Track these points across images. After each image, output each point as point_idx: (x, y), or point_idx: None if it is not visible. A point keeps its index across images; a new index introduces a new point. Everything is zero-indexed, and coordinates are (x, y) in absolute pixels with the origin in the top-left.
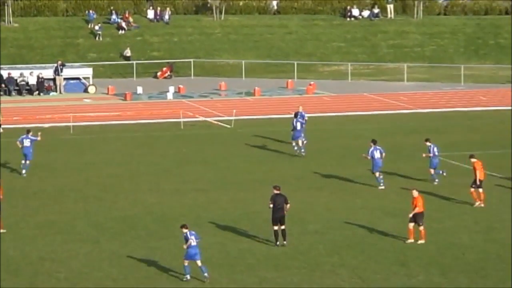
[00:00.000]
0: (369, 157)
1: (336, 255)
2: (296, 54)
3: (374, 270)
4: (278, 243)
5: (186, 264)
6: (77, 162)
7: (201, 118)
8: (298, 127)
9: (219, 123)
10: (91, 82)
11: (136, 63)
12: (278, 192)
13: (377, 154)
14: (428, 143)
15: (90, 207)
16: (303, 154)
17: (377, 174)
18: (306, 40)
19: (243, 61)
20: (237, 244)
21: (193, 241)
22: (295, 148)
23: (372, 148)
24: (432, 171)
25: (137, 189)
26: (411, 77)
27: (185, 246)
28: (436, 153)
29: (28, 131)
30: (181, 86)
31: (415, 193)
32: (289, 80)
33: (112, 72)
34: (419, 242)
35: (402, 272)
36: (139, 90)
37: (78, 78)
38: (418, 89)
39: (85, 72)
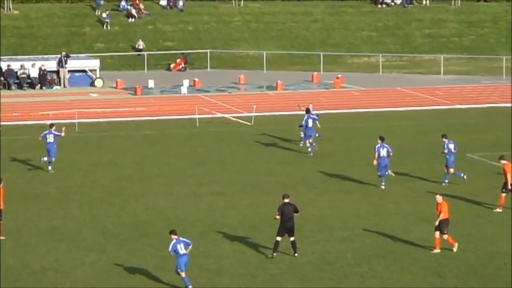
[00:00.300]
0: (376, 155)
1: (366, 265)
2: (322, 44)
3: (407, 281)
4: (274, 254)
5: (183, 276)
6: (83, 162)
7: (218, 115)
8: (310, 124)
9: (238, 120)
10: (98, 75)
11: (148, 54)
12: (287, 201)
13: (383, 152)
14: (444, 139)
15: (97, 211)
16: (311, 153)
17: (379, 172)
18: (333, 29)
19: (264, 52)
20: (258, 253)
21: (181, 250)
22: (309, 148)
23: (379, 145)
24: (446, 170)
25: (148, 192)
26: (448, 69)
27: (175, 253)
28: (453, 150)
29: (51, 125)
30: (196, 79)
31: (439, 198)
32: (315, 73)
33: (121, 64)
34: (454, 250)
35: (438, 284)
36: (151, 83)
37: (84, 71)
38: (456, 82)
39: (91, 64)
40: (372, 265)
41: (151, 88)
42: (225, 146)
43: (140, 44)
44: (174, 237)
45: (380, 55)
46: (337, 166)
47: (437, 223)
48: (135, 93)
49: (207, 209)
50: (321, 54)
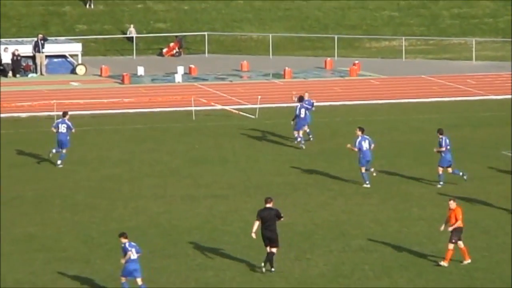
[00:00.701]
0: (355, 149)
1: (387, 278)
2: (337, 26)
3: None
4: (264, 268)
5: (123, 281)
6: (64, 161)
7: (217, 107)
8: (302, 114)
9: (240, 113)
10: (80, 61)
11: (137, 38)
12: (268, 205)
13: (365, 145)
14: (440, 135)
15: (79, 217)
16: (303, 146)
17: (363, 169)
18: (349, 8)
19: (270, 35)
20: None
21: (132, 254)
22: (299, 139)
23: (360, 138)
24: (440, 170)
25: (138, 195)
26: (481, 55)
27: (123, 260)
28: (448, 147)
29: (64, 114)
30: (192, 66)
31: (452, 204)
32: (328, 59)
33: (107, 49)
34: (465, 262)
35: None
36: (140, 71)
37: (63, 56)
38: (489, 70)
39: (72, 48)
40: (393, 278)
41: (141, 76)
42: (225, 142)
43: (132, 31)
44: (124, 240)
45: (403, 38)
46: (353, 165)
47: (450, 229)
48: (123, 82)
49: (205, 214)
50: (335, 37)
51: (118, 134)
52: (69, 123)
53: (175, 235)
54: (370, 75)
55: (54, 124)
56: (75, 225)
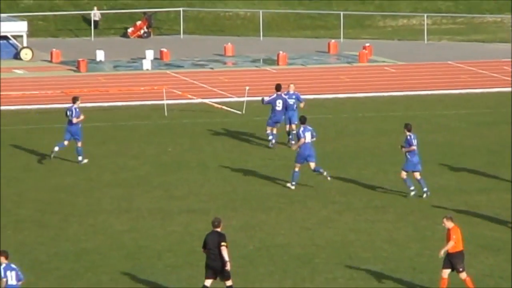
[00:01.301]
0: (294, 148)
1: None
2: (343, 0)
3: None
4: None
5: None
6: (6, 167)
7: (195, 100)
8: (279, 107)
9: (224, 108)
10: (25, 44)
11: (95, 14)
12: (215, 229)
13: (308, 137)
14: (407, 132)
15: (25, 237)
16: (273, 145)
17: (297, 167)
18: None
19: (260, 11)
20: None
21: (10, 279)
22: (270, 137)
23: (302, 129)
24: (404, 174)
25: (98, 209)
26: None
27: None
28: (416, 149)
29: (74, 99)
30: (164, 49)
31: (448, 223)
32: (332, 41)
33: (58, 29)
34: None
35: None
36: (100, 55)
37: (5, 37)
38: None
39: (16, 28)
40: None
41: (101, 62)
42: (205, 144)
43: (97, 15)
44: (4, 261)
45: (425, 15)
46: (363, 171)
47: (442, 252)
48: (78, 69)
49: (180, 233)
50: (341, 14)
51: None
52: (75, 111)
53: (143, 259)
54: (384, 61)
55: (69, 112)
56: (20, 247)
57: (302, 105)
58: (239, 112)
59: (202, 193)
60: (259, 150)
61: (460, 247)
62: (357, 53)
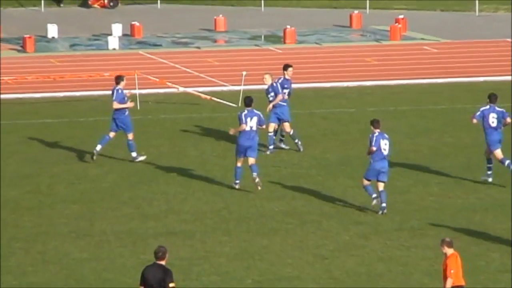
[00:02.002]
0: (232, 133)
1: None
2: None
3: None
4: None
5: None
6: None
7: (178, 89)
8: (271, 97)
9: (214, 99)
10: None
11: None
12: (158, 262)
13: (250, 122)
14: (375, 130)
15: None
16: (271, 151)
17: (239, 162)
18: None
19: None
20: None
21: None
22: (271, 139)
23: (246, 112)
24: (366, 182)
25: (49, 232)
26: None
27: None
28: (386, 152)
29: (118, 78)
30: (136, 23)
31: (447, 249)
32: (355, 12)
33: None
34: None
35: None
36: (52, 31)
37: None
38: None
39: None
40: None
41: (54, 39)
42: (189, 145)
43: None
44: None
45: None
46: (396, 183)
47: None
48: (24, 49)
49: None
50: None
51: (15, 133)
52: (114, 95)
53: None
54: (422, 39)
55: (115, 97)
56: None
57: (279, 97)
58: (234, 105)
59: (184, 210)
60: (259, 155)
61: (460, 282)
62: (388, 28)
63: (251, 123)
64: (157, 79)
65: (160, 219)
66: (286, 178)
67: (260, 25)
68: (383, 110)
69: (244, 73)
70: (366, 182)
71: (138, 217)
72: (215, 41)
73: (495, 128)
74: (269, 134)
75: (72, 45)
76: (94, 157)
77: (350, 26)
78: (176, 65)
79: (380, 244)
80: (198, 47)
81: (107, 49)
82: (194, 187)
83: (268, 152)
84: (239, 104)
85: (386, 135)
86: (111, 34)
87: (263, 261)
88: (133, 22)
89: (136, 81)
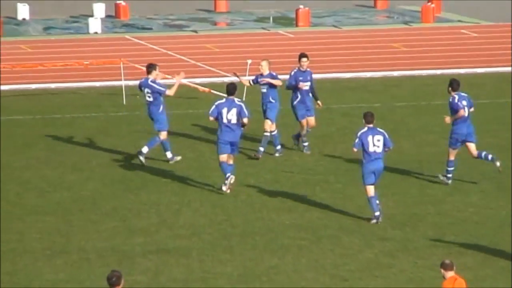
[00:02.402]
0: (211, 119)
1: None
2: None
3: None
4: None
5: None
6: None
7: (170, 80)
8: (264, 89)
9: (213, 92)
10: None
11: None
12: None
13: (229, 115)
14: (366, 124)
15: None
16: (258, 155)
17: (222, 159)
18: None
19: None
20: None
21: None
22: (265, 137)
23: (224, 101)
24: (370, 192)
25: (20, 249)
26: None
27: None
28: (379, 150)
29: (150, 68)
30: (122, 2)
31: (445, 272)
32: None
33: None
34: None
35: None
36: (23, 12)
37: None
38: None
39: None
40: None
41: (24, 21)
42: (184, 147)
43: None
44: None
45: None
46: (428, 190)
47: None
48: None
49: (146, 284)
50: None
51: None
52: (156, 85)
53: None
54: (459, 21)
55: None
56: None
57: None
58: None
59: (179, 223)
60: (267, 157)
61: None
62: (419, 8)
63: (228, 116)
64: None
65: (150, 234)
66: (299, 186)
67: (268, 5)
68: (413, 105)
69: (249, 61)
70: (370, 192)
71: (124, 232)
72: (215, 23)
73: (466, 119)
74: (265, 134)
75: (46, 28)
76: (143, 160)
77: (375, 6)
78: (169, 52)
79: (409, 263)
80: (195, 31)
81: (88, 33)
82: (190, 196)
83: (277, 154)
84: (243, 98)
85: (380, 130)
86: (92, 16)
87: (271, 284)
88: (118, 1)
89: (122, 71)
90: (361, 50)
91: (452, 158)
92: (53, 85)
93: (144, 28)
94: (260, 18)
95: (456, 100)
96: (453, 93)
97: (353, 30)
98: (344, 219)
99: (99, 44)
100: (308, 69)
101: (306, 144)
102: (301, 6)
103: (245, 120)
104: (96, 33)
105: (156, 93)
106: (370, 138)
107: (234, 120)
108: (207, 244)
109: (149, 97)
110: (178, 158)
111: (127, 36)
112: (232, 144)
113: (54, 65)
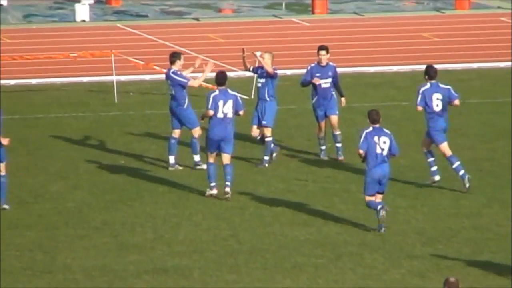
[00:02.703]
0: (204, 119)
1: None
2: None
3: None
4: None
5: None
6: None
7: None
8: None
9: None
10: None
11: None
12: None
13: (224, 108)
14: (371, 124)
15: None
16: (265, 164)
17: (211, 158)
18: None
19: None
20: None
21: None
22: (265, 157)
23: (217, 93)
24: (368, 197)
25: (1, 268)
26: None
27: None
28: (384, 153)
29: (174, 57)
30: None
31: (452, 281)
32: None
33: None
34: None
35: None
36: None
37: None
38: None
39: None
40: None
41: (1, 7)
42: (183, 151)
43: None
44: None
45: None
46: (462, 201)
47: None
48: None
49: None
50: None
51: None
52: (178, 77)
53: None
54: (499, 7)
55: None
56: None
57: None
58: (245, 97)
59: (178, 239)
60: (279, 164)
61: None
62: None
63: (224, 109)
64: (142, 62)
65: (145, 251)
66: (316, 196)
67: None
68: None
69: (258, 53)
70: (368, 198)
71: (116, 249)
72: (219, 10)
73: (440, 114)
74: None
75: (26, 16)
76: (174, 167)
77: None
78: (167, 43)
79: (441, 285)
80: (197, 19)
81: (74, 21)
82: (191, 208)
83: (266, 165)
84: (252, 96)
85: (386, 131)
86: (79, 1)
87: None
88: None
89: (113, 64)
90: (387, 40)
91: (449, 153)
92: (34, 81)
93: (138, 16)
94: (271, 4)
95: (421, 91)
96: (428, 82)
97: (377, 18)
98: (367, 234)
99: (87, 33)
100: (330, 63)
101: (323, 148)
102: None
103: (241, 112)
104: (83, 21)
105: (178, 85)
106: (376, 139)
107: (230, 114)
108: (210, 263)
109: (170, 90)
110: (203, 166)
111: (119, 25)
112: (224, 141)
113: (36, 58)
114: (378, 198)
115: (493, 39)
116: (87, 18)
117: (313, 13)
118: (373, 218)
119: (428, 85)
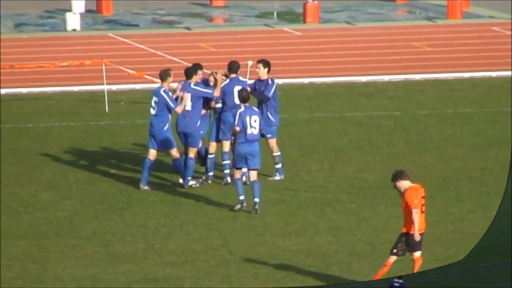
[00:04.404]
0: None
1: None
2: None
3: None
4: None
5: None
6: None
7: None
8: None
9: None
10: None
11: None
12: None
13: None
14: (242, 104)
15: None
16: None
17: (237, 174)
18: None
19: None
20: None
21: None
22: (225, 176)
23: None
24: (237, 173)
25: None
26: None
27: None
28: (255, 132)
29: (164, 75)
30: None
31: (403, 182)
32: None
33: None
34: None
35: None
36: None
37: None
38: None
39: None
40: None
41: None
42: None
43: None
44: None
45: None
46: (468, 216)
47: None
48: None
49: None
50: None
51: None
52: (167, 97)
53: None
54: (491, 16)
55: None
56: None
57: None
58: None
59: (169, 249)
60: (272, 173)
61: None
62: (444, 3)
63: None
64: (134, 72)
65: (136, 261)
66: (307, 206)
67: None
68: (438, 113)
69: (250, 62)
70: (237, 174)
71: (106, 258)
72: (210, 19)
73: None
74: (209, 156)
75: (17, 25)
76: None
77: None
78: (158, 52)
79: None
80: (188, 28)
81: (65, 30)
82: (182, 218)
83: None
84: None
85: (255, 110)
86: (70, 11)
87: None
88: None
89: (104, 74)
90: (379, 50)
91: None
92: (24, 90)
93: (129, 25)
94: (262, 13)
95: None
96: (230, 76)
97: (369, 27)
98: (357, 244)
99: (78, 43)
100: (244, 78)
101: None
102: (310, 0)
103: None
104: (74, 30)
105: (200, 98)
106: (248, 119)
107: (188, 107)
108: (201, 273)
109: (153, 110)
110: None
111: (110, 34)
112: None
113: (27, 67)
114: (252, 175)
115: (485, 49)
116: (78, 27)
117: (305, 22)
118: (363, 227)
119: (227, 80)
